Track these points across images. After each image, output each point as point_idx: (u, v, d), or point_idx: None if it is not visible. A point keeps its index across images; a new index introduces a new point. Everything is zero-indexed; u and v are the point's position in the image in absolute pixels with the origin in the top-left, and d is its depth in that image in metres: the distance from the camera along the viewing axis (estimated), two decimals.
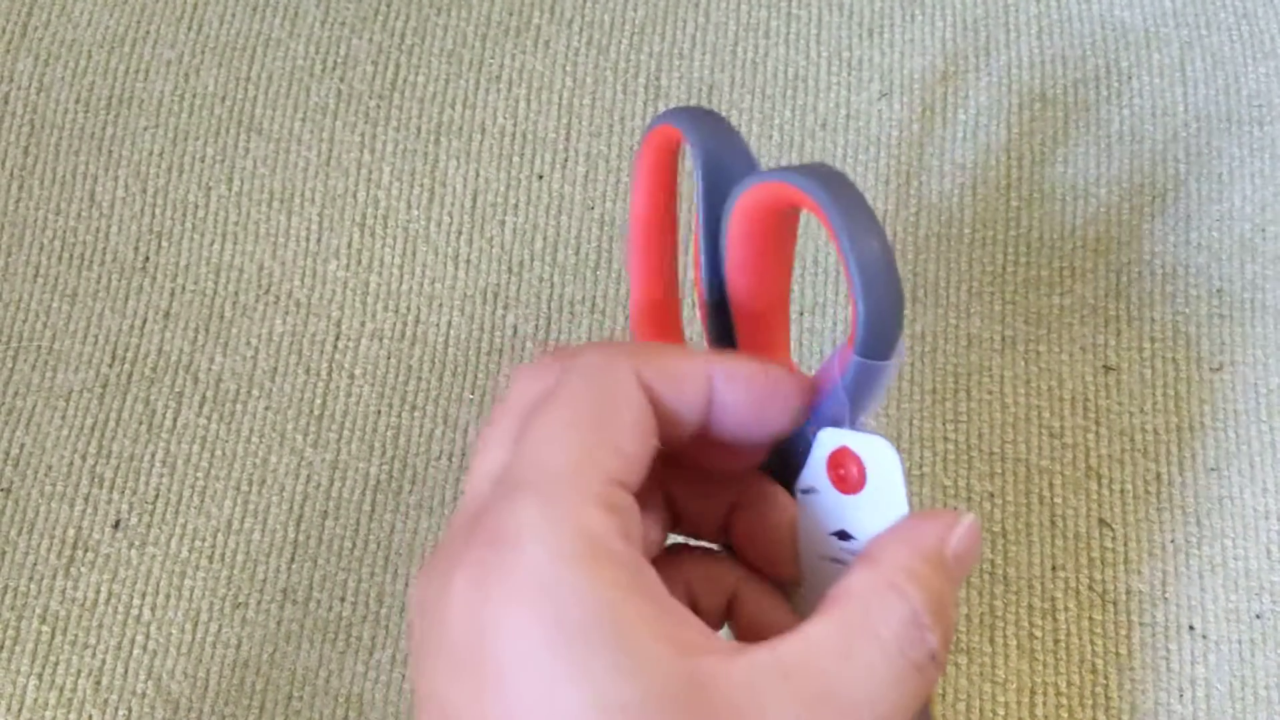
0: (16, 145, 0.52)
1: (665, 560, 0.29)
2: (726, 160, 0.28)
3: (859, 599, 0.24)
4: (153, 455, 0.47)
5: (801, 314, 0.49)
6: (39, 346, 0.49)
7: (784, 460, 0.28)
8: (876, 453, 0.26)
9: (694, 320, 0.31)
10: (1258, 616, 0.44)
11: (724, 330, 0.29)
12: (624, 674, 0.21)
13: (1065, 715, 0.43)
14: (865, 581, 0.24)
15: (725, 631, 0.29)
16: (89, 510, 0.46)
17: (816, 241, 0.50)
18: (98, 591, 0.45)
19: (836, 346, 0.27)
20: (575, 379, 0.24)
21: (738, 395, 0.25)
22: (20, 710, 0.43)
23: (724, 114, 0.52)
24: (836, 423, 0.27)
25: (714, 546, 0.30)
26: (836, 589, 0.24)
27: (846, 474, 0.27)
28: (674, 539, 0.30)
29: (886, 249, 0.24)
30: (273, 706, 0.43)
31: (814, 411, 0.27)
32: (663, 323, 0.32)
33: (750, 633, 0.29)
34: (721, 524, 0.29)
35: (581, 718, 0.21)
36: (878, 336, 0.25)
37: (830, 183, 0.25)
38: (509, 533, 0.22)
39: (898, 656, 0.23)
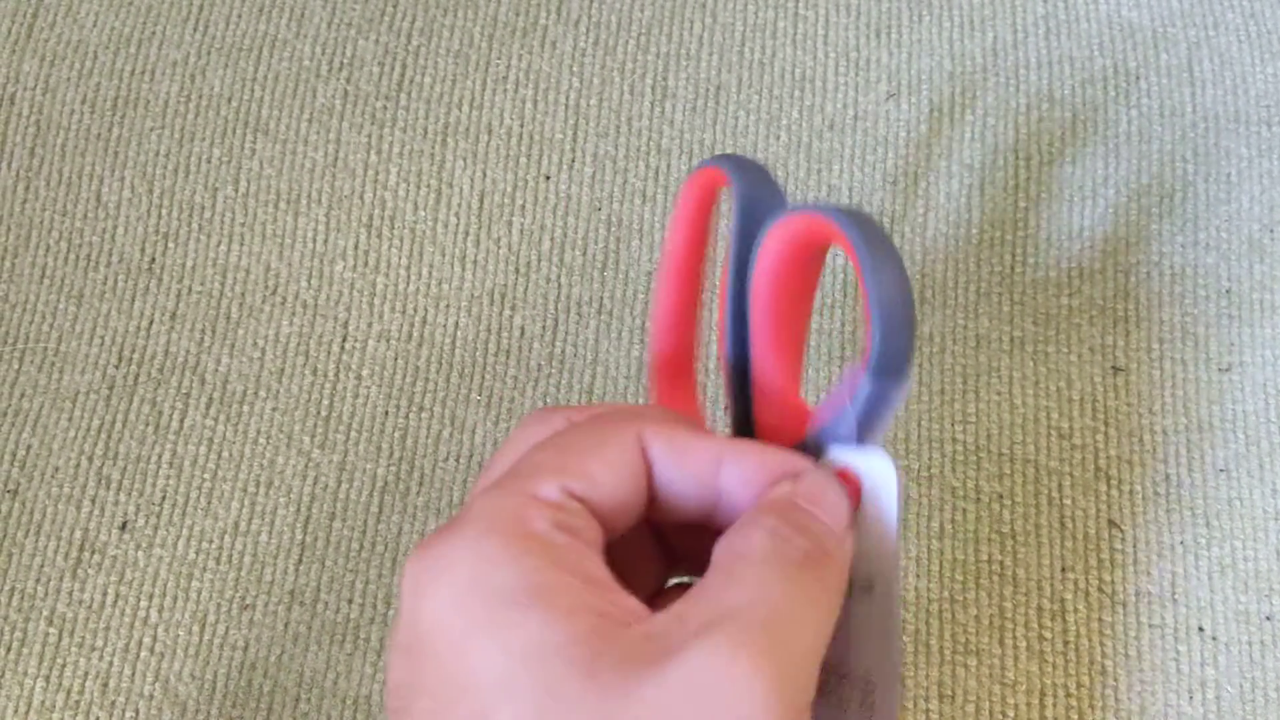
0: (23, 146, 0.52)
1: (662, 596, 0.29)
2: (764, 200, 0.29)
3: (728, 546, 0.24)
4: (159, 457, 0.47)
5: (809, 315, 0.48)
6: (45, 348, 0.49)
7: None
8: (875, 469, 0.27)
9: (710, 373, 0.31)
10: (1268, 618, 0.44)
11: (741, 384, 0.30)
12: (531, 627, 0.22)
13: (1075, 717, 0.43)
14: (731, 533, 0.25)
15: None
16: (96, 512, 0.46)
17: None
18: (105, 593, 0.45)
19: (847, 368, 0.27)
20: (583, 425, 0.26)
21: (748, 486, 0.26)
22: (28, 712, 0.43)
23: (731, 114, 0.52)
24: (843, 441, 0.27)
25: None
26: (714, 553, 0.25)
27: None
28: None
29: (905, 281, 0.25)
30: (280, 709, 0.43)
31: (822, 429, 0.27)
32: (678, 371, 0.32)
33: None
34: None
35: (495, 664, 0.22)
36: (889, 360, 0.25)
37: (857, 216, 0.26)
38: (458, 519, 0.24)
39: (773, 562, 0.23)
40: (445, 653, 0.22)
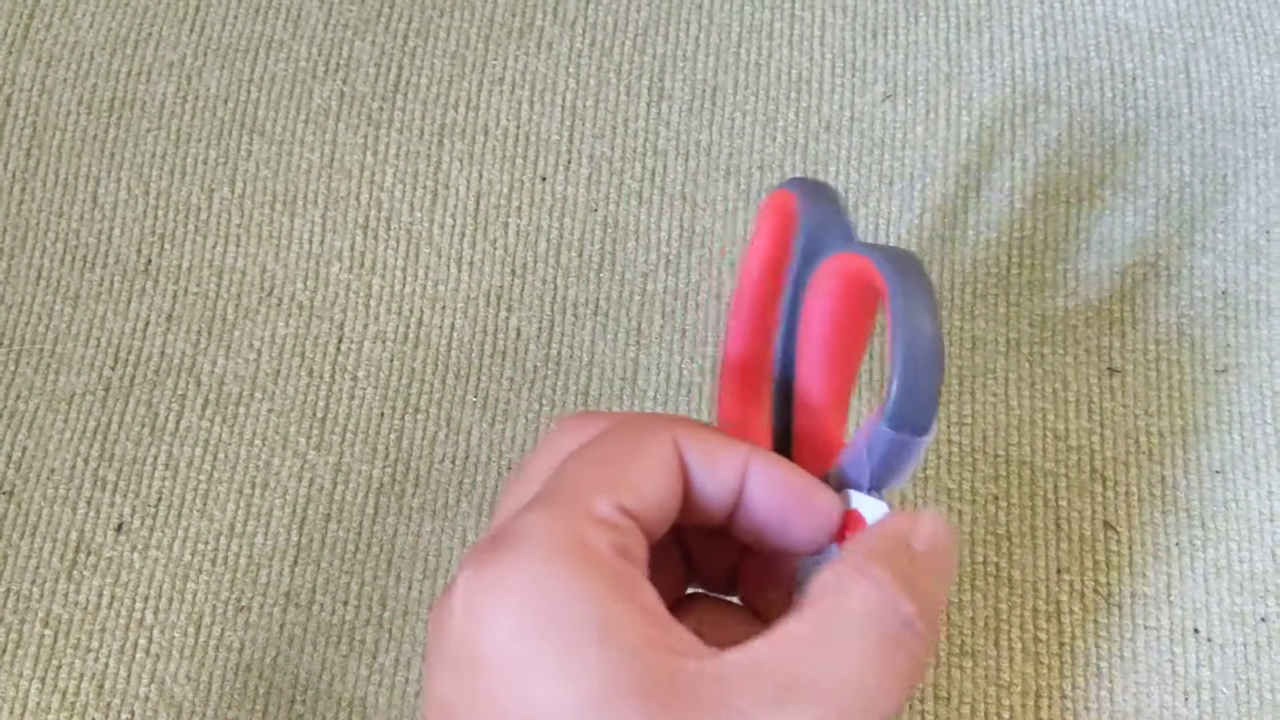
0: (19, 147, 0.52)
1: (679, 605, 0.29)
2: (828, 231, 0.29)
3: (826, 589, 0.24)
4: (155, 458, 0.47)
5: None
6: (41, 349, 0.49)
7: None
8: (868, 514, 0.27)
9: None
10: (1263, 620, 0.44)
11: (784, 404, 0.30)
12: (599, 666, 0.21)
13: (1070, 719, 0.43)
14: (831, 574, 0.24)
15: None
16: (91, 514, 0.46)
17: None
18: (100, 595, 0.45)
19: (871, 414, 0.27)
20: (615, 431, 0.25)
21: (768, 494, 0.26)
22: (23, 714, 0.43)
23: (728, 115, 0.52)
24: (855, 486, 0.27)
25: (732, 600, 0.30)
26: (807, 588, 0.24)
27: (847, 535, 0.27)
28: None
29: (935, 334, 0.25)
30: (276, 710, 0.43)
31: (841, 469, 0.27)
32: (750, 381, 0.32)
33: None
34: (731, 574, 0.30)
35: (563, 702, 0.21)
36: (906, 412, 0.25)
37: (899, 261, 0.26)
38: (511, 537, 0.23)
39: (871, 631, 0.23)
40: (504, 681, 0.22)
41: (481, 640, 0.22)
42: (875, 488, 0.27)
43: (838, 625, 0.23)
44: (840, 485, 0.27)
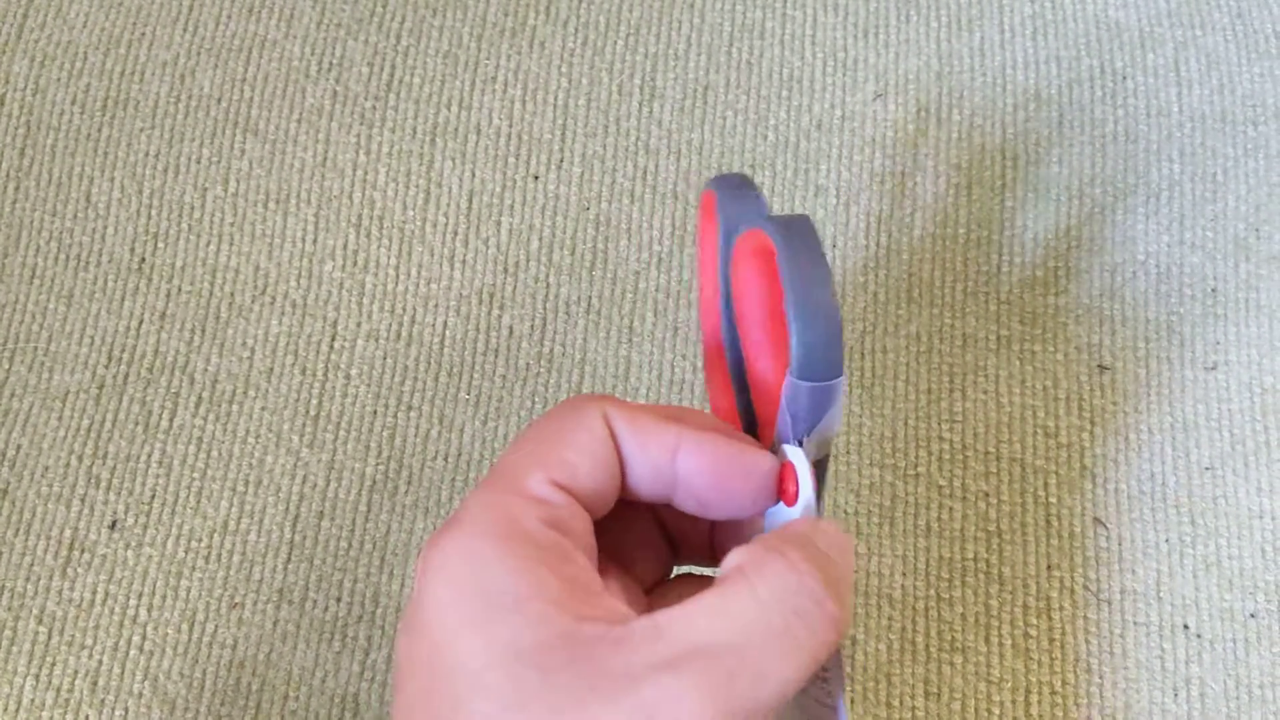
0: (13, 147, 0.52)
1: (663, 586, 0.30)
2: (740, 213, 0.30)
3: (739, 564, 0.25)
4: (149, 456, 0.47)
5: None
6: (35, 348, 0.49)
7: None
8: (798, 464, 0.28)
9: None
10: (1252, 615, 0.44)
11: (741, 386, 0.31)
12: (508, 629, 0.24)
13: (1060, 714, 0.43)
14: (745, 551, 0.26)
15: None
16: (85, 511, 0.46)
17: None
18: (94, 592, 0.45)
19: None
20: (550, 413, 0.27)
21: (701, 466, 0.27)
22: (17, 711, 0.43)
23: (719, 114, 0.52)
24: (785, 440, 0.28)
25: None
26: (723, 564, 0.26)
27: (787, 488, 0.28)
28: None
29: (824, 289, 0.27)
30: (269, 707, 0.43)
31: (778, 429, 0.29)
32: (722, 369, 0.33)
33: None
34: (710, 547, 0.31)
35: (476, 659, 0.24)
36: (810, 362, 0.27)
37: (788, 225, 0.28)
38: (456, 516, 0.26)
39: (774, 602, 0.24)
40: (439, 641, 0.24)
41: (425, 605, 0.25)
42: (808, 437, 0.28)
43: (742, 595, 0.24)
44: (778, 445, 0.29)
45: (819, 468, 0.29)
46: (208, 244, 0.50)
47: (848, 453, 0.47)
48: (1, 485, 0.47)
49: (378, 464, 0.47)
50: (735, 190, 0.31)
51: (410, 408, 0.48)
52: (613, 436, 0.27)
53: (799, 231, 0.28)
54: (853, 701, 0.44)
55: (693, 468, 0.27)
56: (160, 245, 0.51)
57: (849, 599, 0.26)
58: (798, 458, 0.28)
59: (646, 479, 0.27)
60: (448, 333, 0.49)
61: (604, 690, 0.23)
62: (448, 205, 0.51)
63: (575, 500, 0.26)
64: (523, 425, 0.47)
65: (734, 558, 0.25)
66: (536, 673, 0.23)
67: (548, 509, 0.26)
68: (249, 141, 0.52)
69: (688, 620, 0.24)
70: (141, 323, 0.49)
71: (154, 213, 0.51)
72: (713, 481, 0.27)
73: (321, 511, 0.46)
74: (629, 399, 0.47)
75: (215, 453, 0.47)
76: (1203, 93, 0.52)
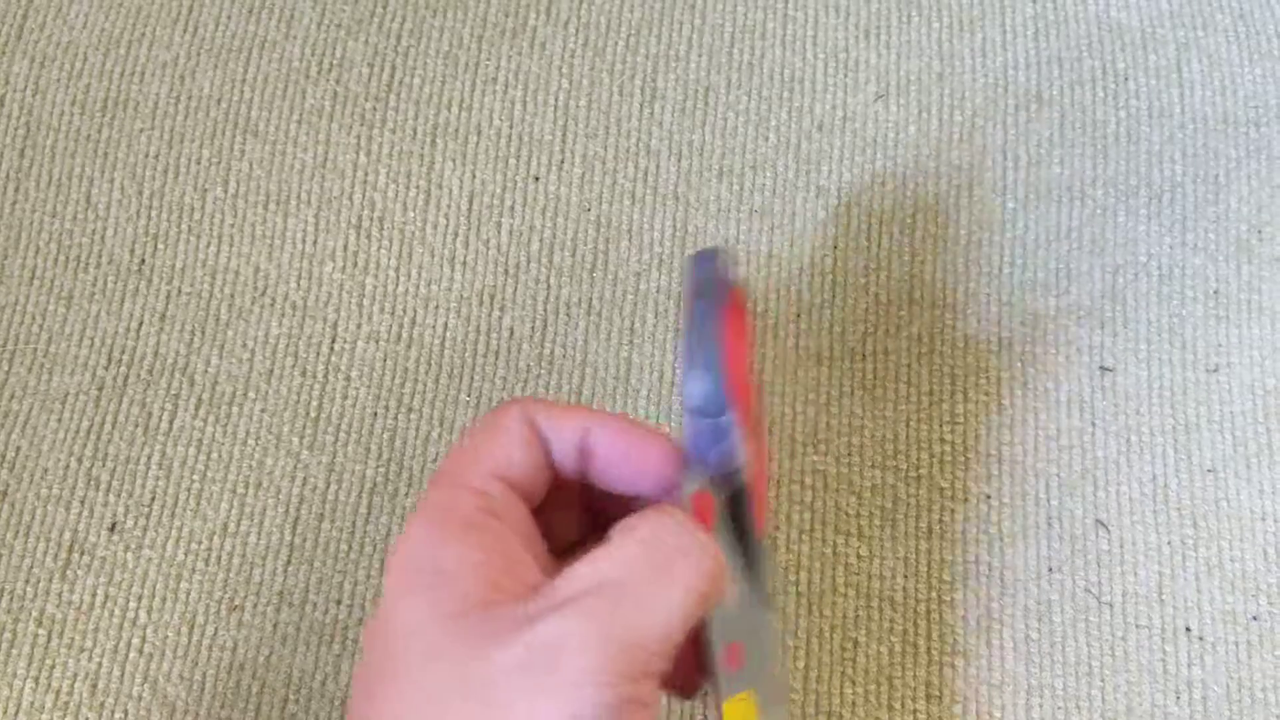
0: (12, 148, 0.52)
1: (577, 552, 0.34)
2: (712, 276, 0.35)
3: (621, 524, 0.29)
4: (149, 458, 0.47)
5: (798, 316, 0.49)
6: (35, 349, 0.49)
7: None
8: (691, 493, 0.32)
9: None
10: (1254, 618, 0.44)
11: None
12: (430, 597, 0.28)
13: (1062, 717, 0.43)
14: (635, 515, 0.29)
15: None
16: (85, 513, 0.46)
17: (812, 243, 0.50)
18: (94, 594, 0.45)
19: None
20: (482, 420, 0.31)
21: (607, 445, 0.31)
22: (17, 713, 0.43)
23: (720, 115, 0.52)
24: (694, 473, 0.32)
25: None
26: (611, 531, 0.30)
27: (703, 519, 0.32)
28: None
29: (707, 337, 0.32)
30: (269, 709, 0.43)
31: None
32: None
33: None
34: None
35: (411, 620, 0.28)
36: (694, 401, 0.32)
37: (700, 277, 0.34)
38: (408, 517, 0.30)
39: (657, 543, 0.28)
40: (385, 611, 0.29)
41: (385, 585, 0.29)
42: (693, 468, 0.32)
43: (626, 542, 0.28)
44: (688, 479, 0.33)
45: (735, 500, 0.33)
46: (208, 245, 0.50)
47: (849, 454, 0.47)
48: (1, 487, 0.47)
49: (378, 466, 0.47)
50: (701, 258, 0.35)
51: (411, 410, 0.48)
52: (535, 429, 0.31)
53: (702, 291, 0.33)
54: (854, 704, 0.44)
55: (602, 442, 0.31)
56: (160, 247, 0.50)
57: (709, 555, 0.29)
58: (695, 489, 0.32)
59: (569, 458, 0.31)
60: (448, 334, 0.49)
61: (503, 635, 0.27)
62: (448, 206, 0.51)
63: (510, 489, 0.30)
64: None
65: (621, 522, 0.29)
66: (455, 627, 0.27)
67: (485, 499, 0.29)
68: (249, 142, 0.52)
69: (578, 570, 0.28)
70: (141, 324, 0.49)
71: (154, 214, 0.51)
72: (619, 454, 0.31)
73: (322, 514, 0.46)
74: (630, 400, 0.47)
75: (215, 455, 0.47)
76: (1205, 94, 0.52)
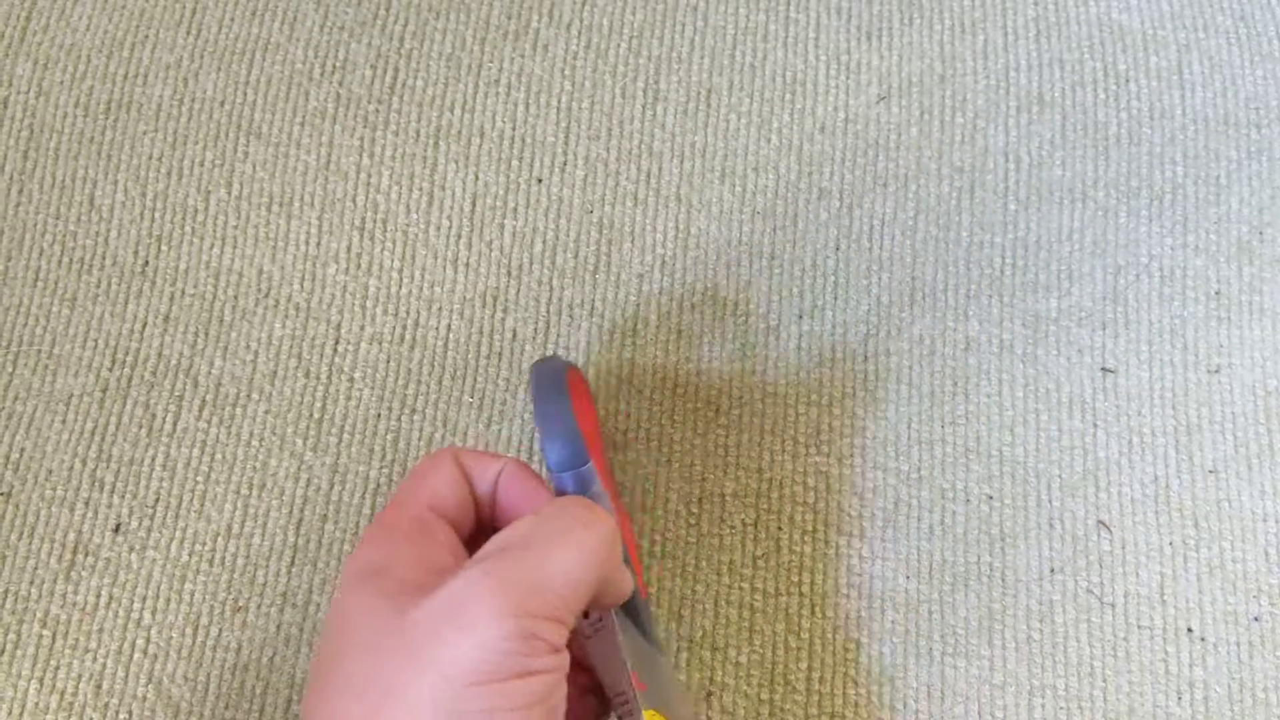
0: (16, 150, 0.52)
1: None
2: (549, 364, 0.42)
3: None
4: (153, 459, 0.47)
5: (801, 317, 0.49)
6: (39, 351, 0.49)
7: None
8: None
9: None
10: (1256, 619, 0.44)
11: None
12: (379, 584, 0.32)
13: (1064, 718, 0.43)
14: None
15: None
16: (89, 514, 0.46)
17: (815, 244, 0.50)
18: (98, 595, 0.45)
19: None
20: (423, 460, 0.36)
21: (509, 488, 0.36)
22: (21, 714, 0.43)
23: (722, 117, 0.52)
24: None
25: None
26: None
27: None
28: None
29: (554, 416, 0.39)
30: (272, 710, 0.44)
31: None
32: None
33: None
34: None
35: (355, 604, 0.32)
36: (555, 461, 0.38)
37: (538, 369, 0.41)
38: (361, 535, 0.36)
39: (557, 514, 0.33)
40: (337, 602, 0.33)
41: (337, 590, 0.34)
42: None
43: (530, 517, 0.33)
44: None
45: None
46: (211, 247, 0.51)
47: (851, 455, 0.47)
48: (5, 489, 0.47)
49: (381, 467, 0.47)
50: (538, 362, 0.42)
51: (414, 411, 0.48)
52: (464, 471, 0.36)
53: (544, 370, 0.40)
54: (857, 705, 0.44)
55: (505, 486, 0.36)
56: (164, 248, 0.51)
57: (609, 523, 0.34)
58: None
59: (486, 495, 0.36)
60: (451, 336, 0.49)
61: (422, 598, 0.31)
62: (451, 208, 0.51)
63: (440, 517, 0.35)
64: (526, 428, 0.48)
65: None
66: (389, 604, 0.31)
67: (420, 521, 0.34)
68: (252, 144, 0.52)
69: (493, 540, 0.33)
70: (145, 326, 0.49)
71: (157, 216, 0.51)
72: (516, 497, 0.36)
73: (325, 515, 0.46)
74: (630, 402, 0.48)
75: (219, 456, 0.47)
76: (1206, 95, 0.52)
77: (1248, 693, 0.44)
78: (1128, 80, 0.53)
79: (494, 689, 0.30)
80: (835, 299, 0.49)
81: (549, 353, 0.49)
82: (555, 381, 0.40)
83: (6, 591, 0.45)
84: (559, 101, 0.53)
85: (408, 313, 0.49)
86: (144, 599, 0.45)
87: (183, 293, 0.50)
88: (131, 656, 0.44)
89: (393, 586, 0.32)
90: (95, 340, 0.49)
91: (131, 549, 0.46)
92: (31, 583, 0.45)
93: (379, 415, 0.48)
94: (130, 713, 0.44)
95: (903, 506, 0.46)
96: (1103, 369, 0.48)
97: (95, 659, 0.44)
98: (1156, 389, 0.48)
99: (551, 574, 0.31)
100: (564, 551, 0.32)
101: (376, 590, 0.32)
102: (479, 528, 0.37)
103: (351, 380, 0.48)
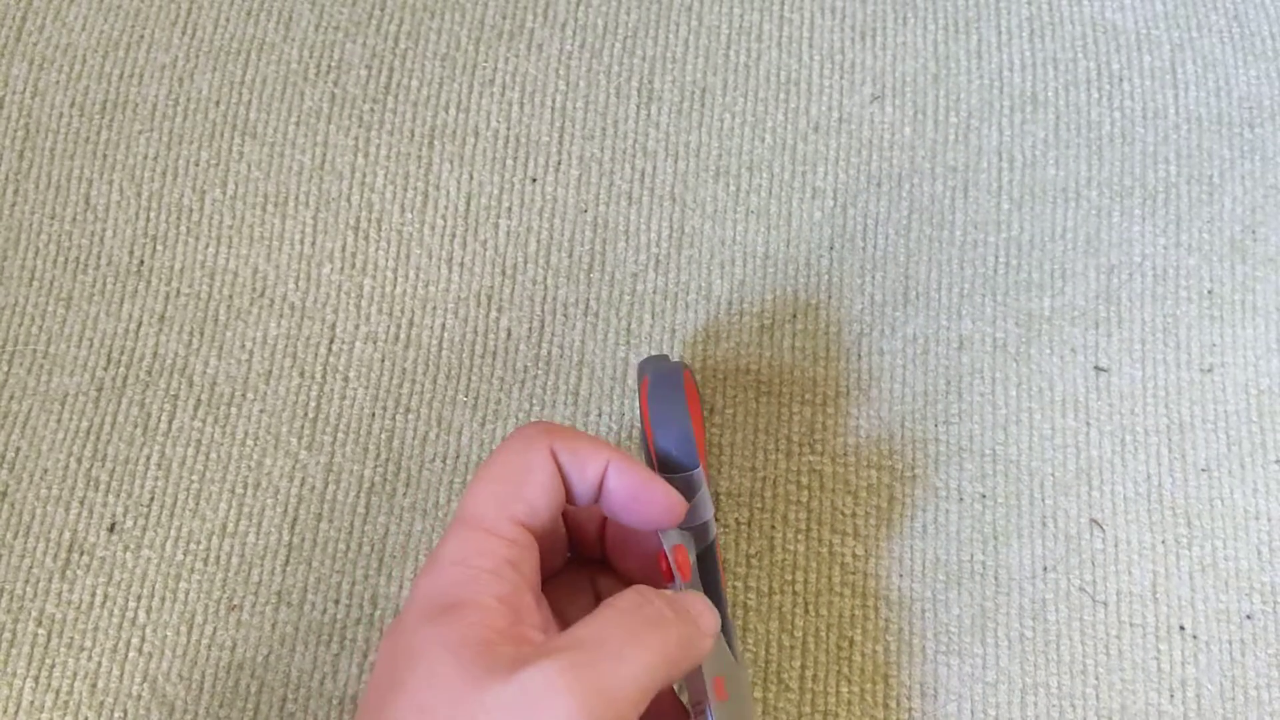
0: (11, 149, 0.53)
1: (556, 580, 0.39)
2: (664, 363, 0.43)
3: (604, 602, 0.33)
4: (148, 458, 0.47)
5: (794, 316, 0.49)
6: (34, 350, 0.49)
7: None
8: (668, 546, 0.37)
9: None
10: (1248, 617, 0.45)
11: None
12: (450, 629, 0.31)
13: (1056, 716, 0.43)
14: (620, 593, 0.34)
15: None
16: (84, 513, 0.46)
17: (809, 243, 0.50)
18: (93, 594, 0.45)
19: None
20: (505, 451, 0.35)
21: (622, 486, 0.35)
22: (17, 713, 0.44)
23: (717, 117, 0.52)
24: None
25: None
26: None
27: (678, 569, 0.37)
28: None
29: (672, 411, 0.39)
30: (267, 709, 0.44)
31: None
32: None
33: None
34: (599, 543, 0.39)
35: (422, 645, 0.31)
36: (666, 462, 0.39)
37: (656, 368, 0.41)
38: (435, 555, 0.34)
39: (632, 612, 0.32)
40: (402, 630, 0.32)
41: (401, 615, 0.33)
42: (684, 524, 0.37)
43: (606, 610, 0.32)
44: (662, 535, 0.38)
45: (704, 556, 0.38)
46: (206, 246, 0.51)
47: (845, 454, 0.47)
48: (0, 488, 0.47)
49: (376, 466, 0.47)
50: (649, 358, 0.43)
51: (408, 410, 0.48)
52: (559, 469, 0.35)
53: (661, 370, 0.40)
54: (850, 703, 0.44)
55: (616, 483, 0.35)
56: (159, 248, 0.51)
57: (699, 626, 0.34)
58: (675, 541, 0.37)
59: (585, 495, 0.35)
60: (446, 335, 0.49)
61: (497, 673, 0.30)
62: (446, 208, 0.51)
63: (531, 534, 0.34)
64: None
65: (609, 598, 0.33)
66: (456, 659, 0.31)
67: (512, 548, 0.33)
68: (247, 144, 0.52)
69: (572, 630, 0.32)
70: (140, 325, 0.49)
71: (153, 215, 0.51)
72: (629, 495, 0.35)
73: (320, 514, 0.46)
74: (627, 401, 0.48)
75: (214, 455, 0.47)
76: (1199, 95, 0.53)
77: (1240, 690, 0.44)
78: (1121, 80, 0.53)
79: None
80: (829, 298, 0.49)
81: (548, 352, 0.49)
82: (673, 384, 0.40)
83: (1, 590, 0.45)
84: (553, 101, 0.53)
85: (402, 312, 0.49)
86: (139, 598, 0.45)
87: (178, 292, 0.50)
88: (126, 655, 0.44)
89: (467, 638, 0.31)
90: (90, 339, 0.49)
91: (126, 548, 0.46)
92: (26, 581, 0.45)
93: (374, 414, 0.48)
94: (125, 711, 0.44)
95: (896, 505, 0.46)
96: (1096, 368, 0.48)
97: (90, 657, 0.44)
98: (1149, 388, 0.48)
99: (625, 679, 0.31)
100: (641, 654, 0.31)
101: (444, 635, 0.31)
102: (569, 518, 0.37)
103: (346, 379, 0.48)
